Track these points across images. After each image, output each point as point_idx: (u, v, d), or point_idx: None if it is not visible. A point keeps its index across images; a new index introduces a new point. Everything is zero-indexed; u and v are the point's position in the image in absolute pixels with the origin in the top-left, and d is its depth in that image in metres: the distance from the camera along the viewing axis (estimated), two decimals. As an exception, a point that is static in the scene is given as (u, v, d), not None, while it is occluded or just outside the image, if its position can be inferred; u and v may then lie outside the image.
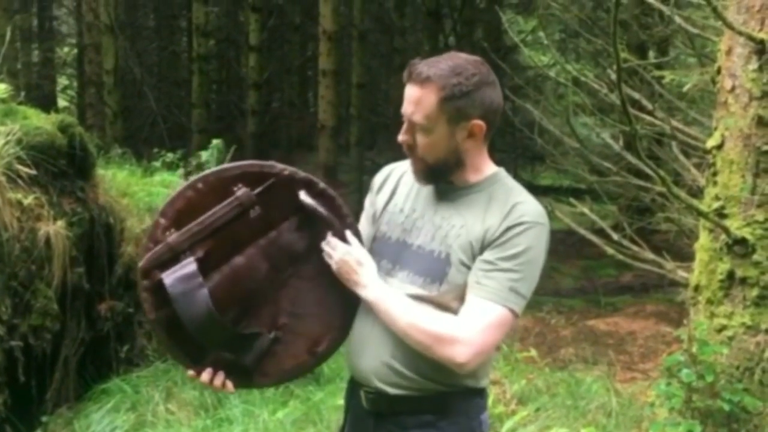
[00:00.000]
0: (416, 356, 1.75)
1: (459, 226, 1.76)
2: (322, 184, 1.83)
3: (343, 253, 1.78)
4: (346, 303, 1.83)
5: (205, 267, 1.74)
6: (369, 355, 1.81)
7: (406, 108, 1.76)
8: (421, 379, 1.77)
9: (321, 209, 1.79)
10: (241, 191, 1.77)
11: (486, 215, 1.75)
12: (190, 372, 1.79)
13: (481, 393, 1.85)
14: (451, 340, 1.69)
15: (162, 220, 1.76)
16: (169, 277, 1.71)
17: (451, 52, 1.81)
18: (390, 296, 1.76)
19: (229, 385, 1.79)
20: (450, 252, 1.75)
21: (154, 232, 1.76)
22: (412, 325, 1.72)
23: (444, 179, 1.81)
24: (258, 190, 1.78)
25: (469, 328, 1.69)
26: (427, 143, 1.75)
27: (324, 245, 1.79)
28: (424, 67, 1.74)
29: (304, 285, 1.81)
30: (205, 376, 1.78)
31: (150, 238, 1.76)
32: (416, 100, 1.74)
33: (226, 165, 1.82)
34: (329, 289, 1.81)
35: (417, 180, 1.83)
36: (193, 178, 1.82)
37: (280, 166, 1.82)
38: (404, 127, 1.78)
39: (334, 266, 1.78)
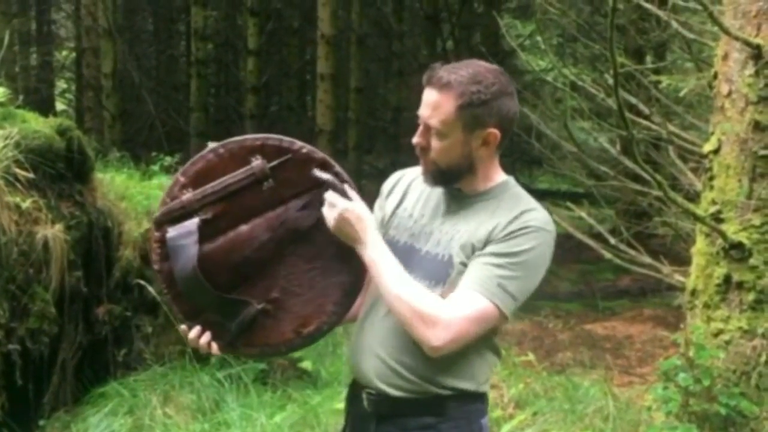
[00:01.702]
0: (417, 358, 1.76)
1: (464, 230, 1.78)
2: (337, 167, 1.87)
3: (343, 208, 1.78)
4: (342, 289, 1.85)
5: (211, 229, 1.80)
6: (371, 356, 1.82)
7: (423, 111, 1.77)
8: (421, 381, 1.77)
9: (335, 180, 1.82)
10: (256, 162, 1.82)
11: (492, 219, 1.76)
12: (182, 327, 1.84)
13: (482, 398, 1.85)
14: (431, 322, 1.69)
15: (181, 178, 1.83)
16: (172, 231, 1.79)
17: (472, 60, 1.82)
18: (386, 262, 1.76)
19: (215, 346, 1.82)
20: (452, 254, 1.77)
21: (172, 189, 1.83)
22: (399, 297, 1.72)
23: (453, 183, 1.82)
24: (273, 163, 1.83)
25: (451, 314, 1.70)
26: (441, 148, 1.76)
27: (326, 200, 1.80)
28: (445, 72, 1.75)
29: (302, 265, 1.84)
30: (193, 333, 1.81)
31: (168, 194, 1.83)
32: (434, 104, 1.75)
33: (249, 135, 1.89)
34: (326, 273, 1.84)
35: (426, 181, 1.84)
36: (217, 144, 1.87)
37: (299, 143, 1.87)
38: (420, 129, 1.79)
39: (332, 222, 1.78)
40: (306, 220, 1.84)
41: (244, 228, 1.82)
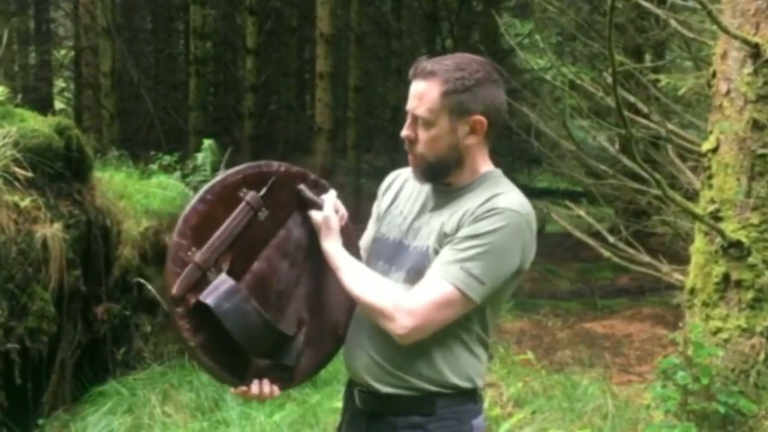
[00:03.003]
0: (403, 353, 1.76)
1: (443, 221, 1.78)
2: (313, 176, 1.88)
3: (316, 226, 1.83)
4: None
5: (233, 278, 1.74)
6: (361, 352, 1.83)
7: (410, 103, 1.78)
8: (408, 376, 1.77)
9: (319, 200, 1.83)
10: (248, 195, 1.78)
11: (466, 206, 1.75)
12: (238, 391, 1.78)
13: (474, 397, 1.82)
14: (393, 311, 1.70)
15: (182, 241, 1.71)
16: (209, 298, 1.68)
17: (459, 53, 1.84)
18: (345, 264, 1.79)
19: (276, 389, 1.79)
20: (429, 245, 1.77)
21: (177, 255, 1.70)
22: (361, 293, 1.75)
23: (443, 178, 1.81)
24: (263, 191, 1.80)
25: (414, 301, 1.70)
26: (428, 138, 1.76)
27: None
28: (429, 63, 1.77)
29: (316, 276, 1.84)
30: (255, 388, 1.77)
31: (174, 262, 1.70)
32: (420, 94, 1.76)
33: (226, 172, 1.82)
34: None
35: (416, 177, 1.84)
36: (200, 192, 1.79)
37: (274, 163, 1.85)
38: (407, 122, 1.79)
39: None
40: (309, 235, 1.84)
41: (258, 265, 1.78)
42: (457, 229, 1.73)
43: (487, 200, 1.72)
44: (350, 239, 1.88)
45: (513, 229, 1.70)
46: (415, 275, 1.76)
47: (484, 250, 1.69)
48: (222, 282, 1.70)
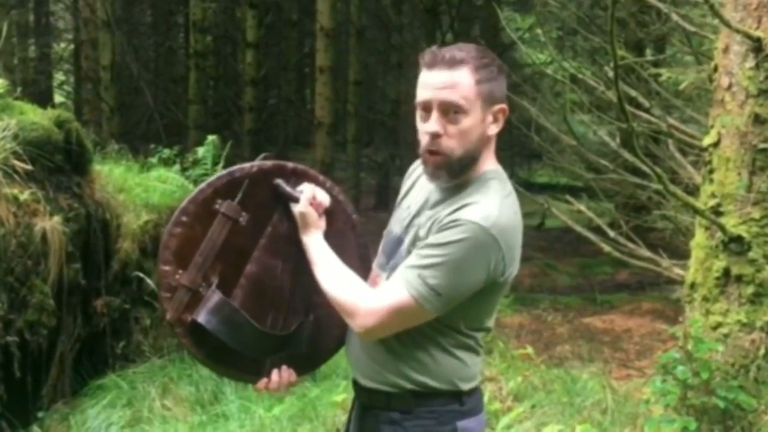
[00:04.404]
0: (383, 350, 1.76)
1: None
2: (290, 164, 1.88)
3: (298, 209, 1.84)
4: (359, 260, 1.90)
5: (224, 289, 1.77)
6: (353, 346, 1.85)
7: (438, 94, 1.68)
8: (388, 374, 1.77)
9: (296, 193, 1.83)
10: (223, 206, 1.80)
11: (441, 211, 1.71)
12: (258, 385, 1.82)
13: (459, 399, 1.77)
14: (350, 311, 1.72)
15: (166, 267, 1.76)
16: (201, 316, 1.74)
17: (460, 43, 1.78)
18: (318, 256, 1.80)
19: (293, 374, 1.84)
20: (407, 245, 1.77)
21: (164, 282, 1.76)
22: (328, 287, 1.77)
23: (464, 175, 1.73)
24: (238, 198, 1.81)
25: (373, 302, 1.70)
26: (461, 130, 1.69)
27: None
28: (449, 51, 1.70)
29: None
30: (275, 378, 1.82)
31: (165, 289, 1.76)
32: (450, 83, 1.67)
33: (196, 189, 1.84)
34: (338, 253, 1.84)
35: (434, 177, 1.75)
36: (174, 215, 1.81)
37: (246, 165, 1.85)
38: (433, 116, 1.69)
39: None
40: (292, 227, 1.85)
41: (251, 268, 1.81)
42: (428, 234, 1.70)
43: (456, 210, 1.67)
44: (340, 224, 1.90)
45: (472, 243, 1.63)
46: (392, 271, 1.76)
47: (440, 261, 1.64)
48: (210, 297, 1.75)
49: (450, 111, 1.68)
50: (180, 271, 1.75)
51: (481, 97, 1.69)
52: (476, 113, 1.69)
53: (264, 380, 1.82)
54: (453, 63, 1.68)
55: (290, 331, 1.83)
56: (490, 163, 1.77)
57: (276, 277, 1.83)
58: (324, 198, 1.87)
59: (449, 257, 1.63)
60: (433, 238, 1.67)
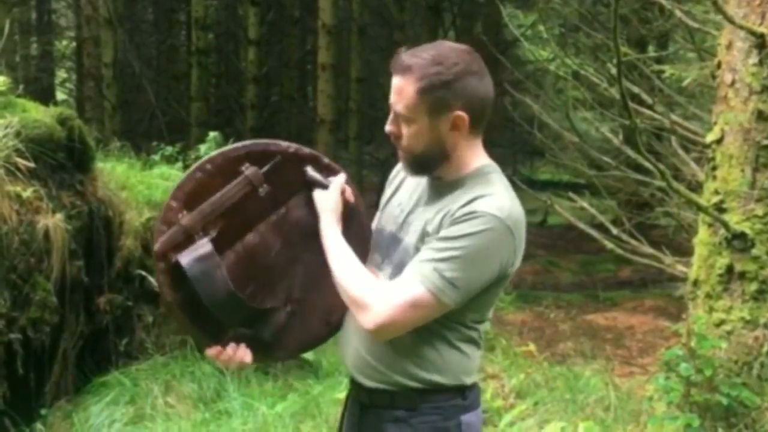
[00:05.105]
0: (385, 349, 1.75)
1: (427, 219, 1.75)
2: (326, 159, 1.87)
3: (319, 207, 1.82)
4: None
5: (218, 246, 1.75)
6: (350, 345, 1.84)
7: (391, 98, 1.73)
8: (391, 372, 1.76)
9: (326, 181, 1.82)
10: (249, 170, 1.79)
11: (449, 206, 1.70)
12: (211, 350, 1.78)
13: (462, 393, 1.78)
14: (364, 306, 1.68)
15: (173, 203, 1.76)
16: (185, 258, 1.72)
17: (439, 41, 1.79)
18: (335, 250, 1.77)
19: (248, 356, 1.78)
20: (413, 242, 1.75)
21: (166, 215, 1.75)
22: (340, 283, 1.74)
23: (431, 171, 1.77)
24: (265, 168, 1.80)
25: (384, 299, 1.67)
26: (410, 134, 1.72)
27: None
28: (407, 56, 1.71)
29: (316, 258, 1.82)
30: (229, 350, 1.77)
31: (162, 221, 1.75)
32: (398, 90, 1.70)
33: (231, 145, 1.84)
34: None
35: (405, 171, 1.82)
36: (200, 161, 1.81)
37: (284, 143, 1.85)
38: (390, 117, 1.75)
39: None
40: (310, 217, 1.83)
41: (251, 237, 1.80)
42: (438, 229, 1.69)
43: (469, 202, 1.66)
44: (359, 222, 1.87)
45: (491, 234, 1.63)
46: (398, 271, 1.74)
47: (458, 254, 1.63)
48: (201, 246, 1.73)
49: (399, 116, 1.73)
50: (184, 212, 1.75)
51: (425, 106, 1.69)
52: (421, 121, 1.70)
53: (218, 348, 1.77)
54: (402, 70, 1.71)
55: (263, 307, 1.79)
56: (481, 158, 1.78)
57: (271, 256, 1.81)
58: (351, 196, 1.86)
59: (466, 249, 1.63)
60: (447, 231, 1.66)
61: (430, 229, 1.71)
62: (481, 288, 1.68)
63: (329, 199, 1.81)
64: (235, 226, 1.78)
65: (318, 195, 1.82)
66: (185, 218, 1.75)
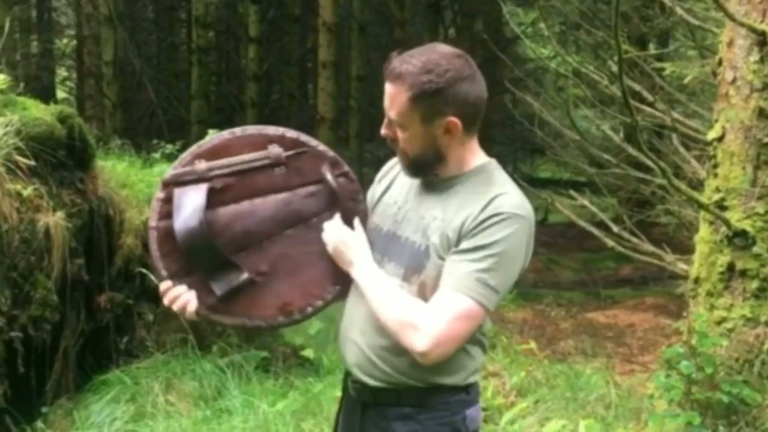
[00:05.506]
0: (392, 352, 1.75)
1: (440, 218, 1.75)
2: (347, 167, 1.94)
3: (338, 235, 1.82)
4: (332, 277, 1.87)
5: (216, 199, 1.84)
6: (351, 344, 1.84)
7: (385, 103, 1.76)
8: (397, 374, 1.76)
9: (336, 185, 1.88)
10: (275, 149, 1.88)
11: (465, 206, 1.72)
12: (163, 285, 1.80)
13: (466, 389, 1.81)
14: (413, 328, 1.67)
15: (196, 149, 1.88)
16: (180, 189, 1.82)
17: (431, 44, 1.79)
18: (372, 280, 1.76)
19: (192, 308, 1.77)
20: (429, 245, 1.74)
21: (185, 157, 1.87)
22: (384, 310, 1.72)
23: (429, 173, 1.79)
24: (289, 153, 1.89)
25: (432, 317, 1.66)
26: (405, 138, 1.75)
27: (325, 225, 1.85)
28: (397, 63, 1.73)
29: (298, 246, 1.87)
30: (178, 289, 1.77)
31: (180, 162, 1.87)
32: (391, 97, 1.73)
33: (268, 127, 1.94)
34: (320, 259, 1.86)
35: (404, 173, 1.84)
36: (236, 129, 1.92)
37: (316, 141, 1.94)
38: (385, 121, 1.78)
39: (330, 248, 1.84)
40: (310, 207, 1.88)
41: (246, 203, 1.87)
42: (460, 233, 1.70)
43: (490, 202, 1.69)
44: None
45: (519, 234, 1.68)
46: (413, 273, 1.75)
47: (498, 260, 1.66)
48: (198, 187, 1.83)
49: (393, 122, 1.76)
50: (202, 161, 1.86)
51: (418, 114, 1.71)
52: (414, 128, 1.73)
53: (170, 284, 1.78)
54: (394, 77, 1.73)
55: (225, 259, 1.81)
56: (480, 156, 1.81)
57: (259, 223, 1.86)
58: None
59: (502, 255, 1.67)
60: (478, 239, 1.67)
61: (450, 233, 1.71)
62: (511, 286, 1.74)
63: (351, 237, 1.82)
64: (239, 190, 1.86)
65: (343, 239, 1.82)
66: (201, 165, 1.85)
